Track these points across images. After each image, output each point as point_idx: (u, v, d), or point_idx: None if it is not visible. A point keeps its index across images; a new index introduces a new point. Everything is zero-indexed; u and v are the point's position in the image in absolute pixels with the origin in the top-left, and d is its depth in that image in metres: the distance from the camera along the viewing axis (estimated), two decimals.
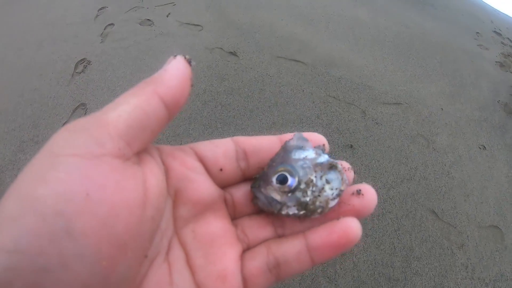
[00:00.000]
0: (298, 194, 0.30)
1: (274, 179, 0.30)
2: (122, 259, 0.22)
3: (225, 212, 0.31)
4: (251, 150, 0.31)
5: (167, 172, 0.28)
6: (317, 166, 0.30)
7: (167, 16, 2.18)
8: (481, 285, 1.30)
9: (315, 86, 1.70)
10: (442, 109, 1.79)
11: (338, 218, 0.28)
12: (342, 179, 0.30)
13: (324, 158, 0.31)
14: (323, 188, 0.30)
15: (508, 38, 2.69)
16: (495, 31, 2.73)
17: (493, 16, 3.10)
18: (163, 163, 0.28)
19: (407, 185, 1.45)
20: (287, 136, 0.32)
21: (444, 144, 1.63)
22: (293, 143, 0.32)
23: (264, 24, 2.05)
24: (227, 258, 0.28)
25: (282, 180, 0.30)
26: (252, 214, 0.32)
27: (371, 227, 1.30)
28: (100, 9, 2.24)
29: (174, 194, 0.28)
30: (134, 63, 1.75)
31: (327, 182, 0.30)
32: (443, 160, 1.57)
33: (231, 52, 1.83)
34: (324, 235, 0.28)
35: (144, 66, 1.74)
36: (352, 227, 0.27)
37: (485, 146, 1.73)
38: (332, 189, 0.30)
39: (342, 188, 0.30)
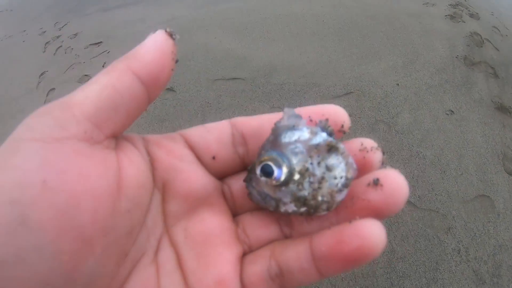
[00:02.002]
0: (293, 187, 0.24)
1: (258, 172, 0.25)
2: (88, 255, 0.20)
3: (224, 206, 0.27)
4: (250, 133, 0.27)
5: (153, 163, 0.25)
6: (312, 150, 0.25)
7: (103, 66, 2.12)
8: (480, 264, 1.20)
9: (257, 101, 1.60)
10: (397, 84, 1.68)
11: (350, 220, 0.22)
12: (346, 163, 0.24)
13: (320, 137, 0.25)
14: (323, 178, 0.24)
15: None
16: None
17: None
18: (149, 153, 0.25)
19: None
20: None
21: (407, 122, 1.52)
22: (284, 122, 0.26)
23: (198, 48, 1.95)
24: (223, 261, 0.25)
25: (268, 172, 0.24)
26: (255, 210, 0.28)
27: None
28: (41, 74, 2.22)
29: (163, 187, 0.25)
30: None
31: (328, 169, 0.24)
32: (410, 141, 1.46)
33: (168, 89, 1.74)
34: (332, 243, 0.22)
35: None
36: (368, 233, 0.21)
37: (453, 110, 1.61)
38: (335, 178, 0.24)
39: (349, 176, 0.24)
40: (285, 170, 0.24)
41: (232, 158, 0.27)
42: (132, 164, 0.23)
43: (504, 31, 2.27)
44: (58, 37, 2.57)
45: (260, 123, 0.28)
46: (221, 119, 0.29)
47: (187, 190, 0.26)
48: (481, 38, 2.07)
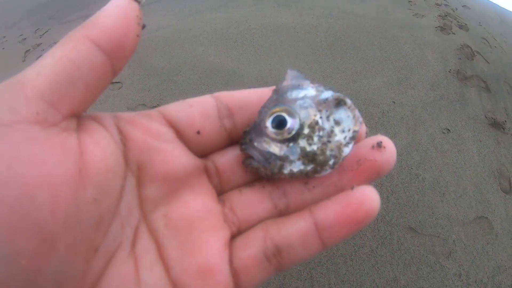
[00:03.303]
0: (302, 142, 0.24)
1: (268, 124, 0.24)
2: (51, 255, 0.18)
3: (207, 186, 0.26)
4: (236, 105, 0.26)
5: (125, 143, 0.23)
6: (321, 104, 0.25)
7: None
8: (480, 287, 1.19)
9: None
10: (393, 102, 1.65)
11: (352, 187, 0.23)
12: (354, 116, 0.25)
13: (328, 93, 0.25)
14: (332, 131, 0.24)
15: None
16: None
17: None
18: (121, 132, 0.23)
19: None
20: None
21: (405, 143, 1.49)
22: (287, 83, 0.26)
23: (185, 62, 1.87)
24: (209, 247, 0.23)
25: (279, 124, 0.24)
26: (243, 186, 0.26)
27: (345, 272, 1.15)
28: None
29: (137, 170, 0.23)
30: None
31: (336, 123, 0.24)
32: (409, 163, 1.43)
33: (154, 107, 1.65)
34: (338, 209, 0.23)
35: None
36: (371, 196, 0.23)
37: (449, 128, 1.59)
38: (343, 131, 0.24)
39: (356, 128, 0.24)
40: (298, 121, 0.24)
41: (218, 133, 0.26)
42: (97, 146, 0.21)
43: (493, 42, 2.29)
44: (38, 45, 2.45)
45: (246, 95, 0.26)
46: None
47: (165, 172, 0.24)
48: (472, 50, 2.07)
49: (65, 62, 0.20)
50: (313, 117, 0.24)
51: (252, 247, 0.24)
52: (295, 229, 0.23)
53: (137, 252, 0.23)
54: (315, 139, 0.24)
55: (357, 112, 0.25)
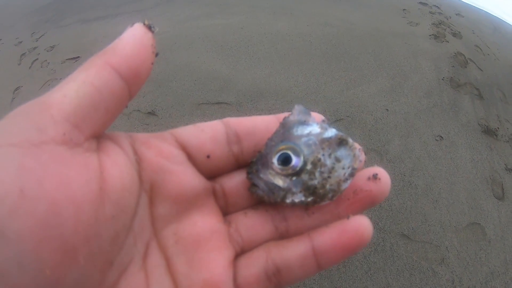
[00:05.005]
0: (305, 177, 0.26)
1: (275, 160, 0.26)
2: (72, 266, 0.19)
3: (214, 207, 0.27)
4: (244, 132, 0.27)
5: (140, 163, 0.24)
6: (324, 142, 0.27)
7: None
8: None
9: None
10: (387, 110, 1.66)
11: (348, 216, 0.25)
12: (354, 155, 0.26)
13: (331, 132, 0.27)
14: (333, 168, 0.26)
15: (435, 6, 2.61)
16: (420, 2, 2.63)
17: None
18: (136, 153, 0.24)
19: (367, 215, 1.30)
20: (286, 115, 0.28)
21: (398, 150, 1.50)
22: (294, 118, 0.28)
23: (180, 68, 1.88)
24: (215, 264, 0.25)
25: (285, 161, 0.26)
26: (248, 209, 0.28)
27: (338, 278, 1.16)
28: (16, 89, 2.09)
29: (150, 189, 0.25)
30: None
31: (337, 160, 0.26)
32: (401, 170, 1.44)
33: (149, 113, 1.66)
34: (335, 236, 0.25)
35: None
36: (364, 225, 0.24)
37: (442, 135, 1.61)
38: (343, 168, 0.26)
39: (355, 166, 0.26)
40: (302, 158, 0.26)
41: (226, 157, 0.27)
42: (115, 165, 0.22)
43: (486, 50, 2.31)
44: (34, 48, 2.44)
45: (254, 123, 0.28)
46: None
47: (176, 192, 0.25)
48: (465, 58, 2.09)
49: (88, 87, 0.21)
50: (316, 154, 0.26)
51: (254, 266, 0.25)
52: (294, 252, 0.25)
53: (147, 266, 0.24)
54: (317, 174, 0.26)
55: (357, 151, 0.27)
